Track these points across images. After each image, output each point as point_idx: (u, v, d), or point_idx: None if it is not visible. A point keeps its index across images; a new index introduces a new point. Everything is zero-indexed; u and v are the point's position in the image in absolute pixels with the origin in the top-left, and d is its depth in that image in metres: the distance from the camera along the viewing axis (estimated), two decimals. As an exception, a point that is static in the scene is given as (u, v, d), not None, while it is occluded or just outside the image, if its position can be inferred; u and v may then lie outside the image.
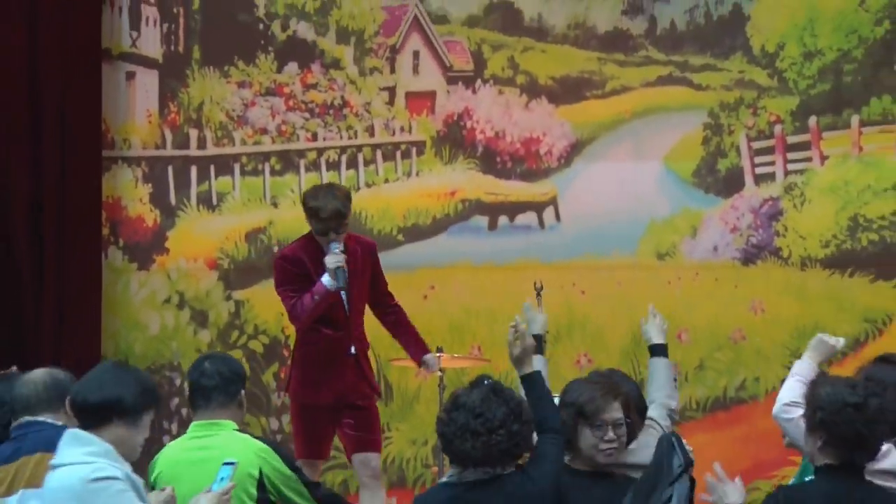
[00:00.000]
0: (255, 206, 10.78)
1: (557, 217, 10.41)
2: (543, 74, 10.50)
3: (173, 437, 10.60)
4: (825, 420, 5.20)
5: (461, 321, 10.02)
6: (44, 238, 10.52)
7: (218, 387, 6.21)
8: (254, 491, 6.17)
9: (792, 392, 5.92)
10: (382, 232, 10.58)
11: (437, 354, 9.06)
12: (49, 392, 6.01)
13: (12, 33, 10.46)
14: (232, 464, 5.49)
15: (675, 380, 6.52)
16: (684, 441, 5.42)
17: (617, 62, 10.42)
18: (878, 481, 5.56)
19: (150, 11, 10.86)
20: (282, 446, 6.56)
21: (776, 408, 5.97)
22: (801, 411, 5.67)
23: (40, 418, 5.95)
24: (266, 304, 10.66)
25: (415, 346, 8.43)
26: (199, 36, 10.83)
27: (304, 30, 10.75)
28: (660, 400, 6.25)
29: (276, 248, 10.70)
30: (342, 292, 7.93)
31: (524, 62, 10.51)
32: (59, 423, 5.93)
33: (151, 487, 6.06)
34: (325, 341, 8.02)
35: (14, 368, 7.01)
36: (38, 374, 6.09)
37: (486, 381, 5.44)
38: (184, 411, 10.69)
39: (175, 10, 10.85)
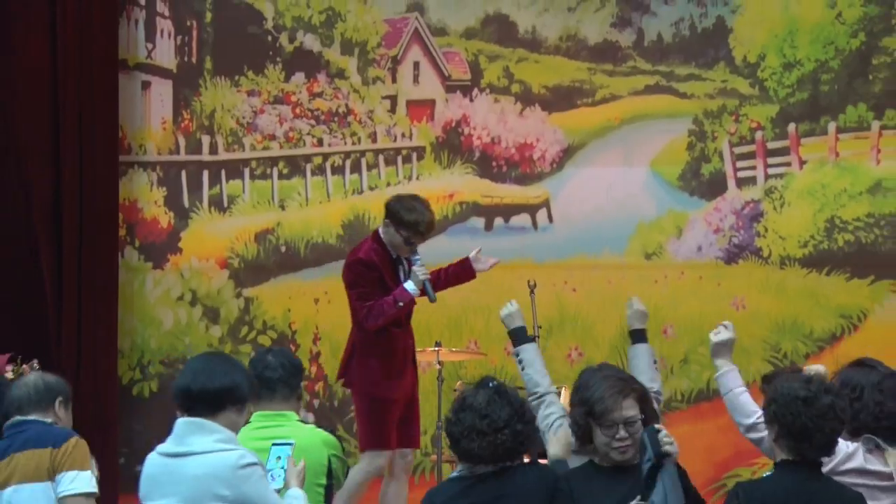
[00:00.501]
0: (264, 209, 10.80)
1: (550, 218, 10.45)
2: (537, 84, 10.54)
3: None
4: (777, 412, 5.17)
5: (459, 317, 10.06)
6: (64, 238, 10.51)
7: (282, 379, 6.14)
8: (324, 480, 6.15)
9: (745, 410, 5.86)
10: (385, 233, 10.61)
11: (436, 349, 9.13)
12: (40, 394, 6.01)
13: (35, 46, 10.47)
14: (289, 444, 5.55)
15: (656, 362, 6.45)
16: (663, 433, 5.25)
17: (606, 72, 10.47)
18: (848, 480, 5.61)
19: (164, 24, 10.88)
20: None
21: (744, 431, 5.88)
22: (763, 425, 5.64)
23: (30, 417, 5.93)
24: (274, 301, 10.71)
25: (455, 268, 8.39)
26: (212, 47, 10.85)
27: (311, 41, 10.78)
28: (644, 385, 6.31)
29: (283, 249, 10.74)
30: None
31: (518, 72, 10.55)
32: (48, 420, 5.94)
33: None
34: (397, 339, 8.09)
35: (35, 362, 7.03)
36: (31, 378, 6.08)
37: (491, 383, 5.43)
38: (196, 402, 10.73)
39: (188, 23, 10.87)
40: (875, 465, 5.64)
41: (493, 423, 5.26)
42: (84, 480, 5.76)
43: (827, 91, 10.23)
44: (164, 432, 10.73)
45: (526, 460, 5.48)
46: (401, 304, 7.96)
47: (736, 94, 10.32)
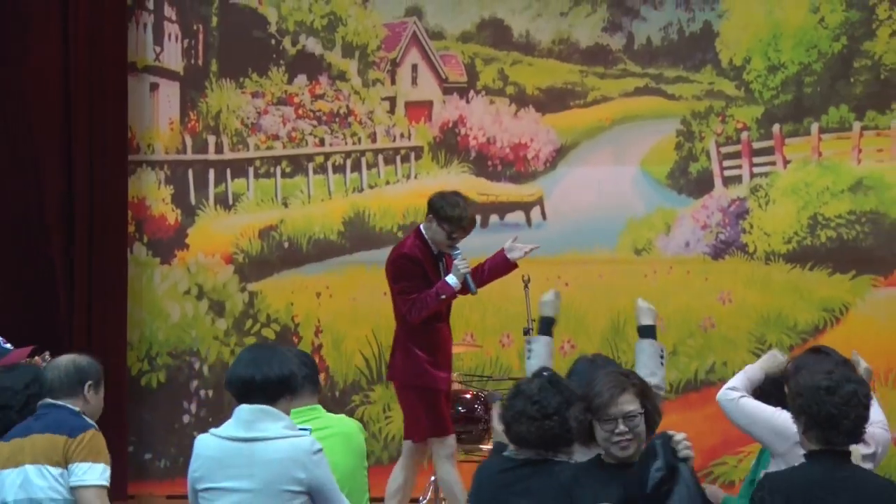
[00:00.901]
0: (268, 206, 10.82)
1: (543, 216, 10.46)
2: (531, 85, 10.55)
3: (192, 417, 10.73)
4: (803, 405, 5.17)
5: (455, 310, 10.02)
6: (75, 235, 10.54)
7: (307, 376, 6.03)
8: (366, 462, 6.20)
9: (734, 381, 6.09)
10: (384, 230, 10.63)
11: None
12: (70, 378, 5.84)
13: (49, 51, 10.50)
14: (306, 430, 5.58)
15: (662, 357, 6.54)
16: (678, 437, 5.06)
17: (598, 74, 10.47)
18: None
19: (172, 28, 10.89)
20: None
21: (719, 393, 6.09)
22: (737, 395, 5.98)
23: (59, 402, 5.84)
24: (277, 295, 10.73)
25: (493, 261, 8.32)
26: (217, 50, 10.86)
27: (313, 45, 10.79)
28: (654, 383, 6.34)
29: (286, 245, 10.76)
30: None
31: (513, 74, 10.57)
32: (77, 407, 5.92)
33: None
34: (440, 332, 8.11)
35: (47, 354, 7.01)
36: (63, 362, 5.97)
37: (544, 373, 5.57)
38: (202, 393, 10.76)
39: (195, 27, 10.87)
40: None
41: (542, 409, 5.36)
42: (96, 472, 5.73)
43: (810, 93, 10.24)
44: (171, 421, 10.77)
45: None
46: (443, 296, 7.97)
47: (722, 96, 10.33)
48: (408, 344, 8.17)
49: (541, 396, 5.38)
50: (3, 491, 5.77)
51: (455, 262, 7.96)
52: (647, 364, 6.43)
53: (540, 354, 6.65)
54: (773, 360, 6.34)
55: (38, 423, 5.82)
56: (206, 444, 5.46)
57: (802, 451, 5.33)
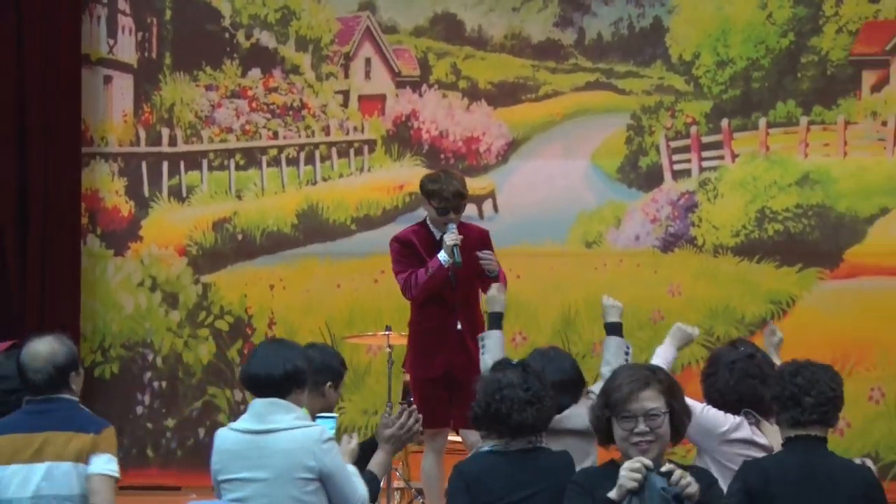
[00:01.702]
0: (221, 199, 10.78)
1: (495, 209, 10.47)
2: (483, 80, 10.57)
3: (146, 408, 10.69)
4: (775, 392, 5.32)
5: (408, 303, 10.08)
6: (28, 227, 10.48)
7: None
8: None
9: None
10: (337, 222, 10.62)
11: (386, 333, 9.12)
12: (63, 369, 5.71)
13: (2, 42, 10.42)
14: (333, 417, 5.73)
15: (627, 354, 6.53)
16: (677, 474, 4.41)
17: (549, 69, 10.50)
18: (737, 450, 5.71)
19: (125, 21, 10.82)
20: None
21: None
22: None
23: (61, 396, 5.74)
24: (231, 287, 10.70)
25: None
26: (171, 44, 10.80)
27: (267, 38, 10.77)
28: (606, 375, 6.36)
29: (240, 237, 10.73)
30: (451, 271, 7.81)
31: (466, 69, 10.58)
32: (74, 398, 5.80)
33: None
34: (434, 318, 7.92)
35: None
36: (46, 350, 5.76)
37: (513, 363, 5.55)
38: (155, 384, 10.72)
39: (149, 20, 10.81)
40: (759, 437, 5.76)
41: (535, 394, 5.36)
42: (114, 464, 5.79)
43: (758, 88, 10.30)
44: (124, 412, 10.74)
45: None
46: (430, 271, 7.76)
47: (672, 91, 10.37)
48: (410, 330, 8.14)
49: (529, 384, 5.38)
50: (21, 487, 5.71)
51: (444, 235, 7.86)
52: (610, 361, 6.44)
53: (493, 349, 6.67)
54: (679, 333, 6.40)
55: (52, 420, 5.70)
56: (224, 437, 5.68)
57: (730, 449, 5.39)
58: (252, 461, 5.55)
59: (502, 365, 5.59)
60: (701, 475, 4.62)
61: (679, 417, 4.73)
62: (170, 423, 10.67)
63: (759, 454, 5.68)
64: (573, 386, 6.13)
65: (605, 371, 6.36)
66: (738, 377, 5.83)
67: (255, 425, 5.59)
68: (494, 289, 7.12)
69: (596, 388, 6.23)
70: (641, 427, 4.65)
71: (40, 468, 5.67)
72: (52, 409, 5.73)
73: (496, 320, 6.87)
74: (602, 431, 4.79)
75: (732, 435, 5.79)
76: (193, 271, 10.74)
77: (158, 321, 10.75)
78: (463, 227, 7.91)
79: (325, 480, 5.55)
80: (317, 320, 10.50)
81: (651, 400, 4.68)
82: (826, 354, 9.61)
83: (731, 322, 10.22)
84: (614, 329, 6.65)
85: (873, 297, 10.07)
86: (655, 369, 4.83)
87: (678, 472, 4.41)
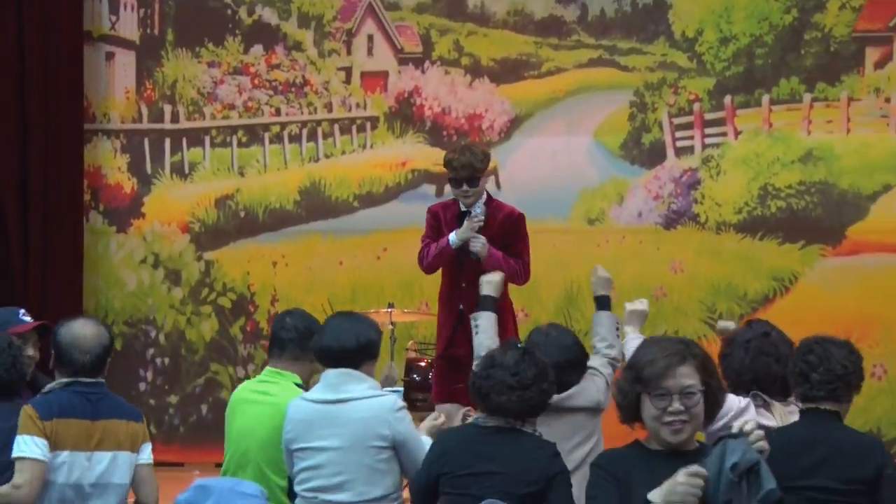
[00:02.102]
0: (224, 175, 10.77)
1: (498, 185, 10.43)
2: (486, 56, 10.54)
3: (149, 385, 10.69)
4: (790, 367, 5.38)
5: (410, 279, 10.04)
6: (30, 203, 10.47)
7: (293, 340, 6.22)
8: None
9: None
10: (340, 199, 10.60)
11: (389, 310, 9.13)
12: (103, 356, 5.73)
13: (2, 18, 10.40)
14: (398, 391, 5.79)
15: (618, 329, 6.50)
16: (748, 428, 4.11)
17: (552, 46, 10.47)
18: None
19: (127, -3, 10.84)
20: None
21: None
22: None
23: (99, 379, 5.72)
24: (233, 264, 10.70)
25: None
26: (173, 20, 10.79)
27: (269, 15, 10.74)
28: (602, 350, 6.40)
29: (242, 214, 10.72)
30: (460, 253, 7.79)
31: (468, 45, 10.55)
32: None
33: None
34: (451, 298, 7.88)
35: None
36: (93, 332, 5.72)
37: (518, 345, 5.59)
38: (158, 360, 10.72)
39: (151, -4, 10.83)
40: (767, 419, 5.71)
41: (521, 380, 5.34)
42: (151, 452, 5.90)
43: (761, 65, 10.27)
44: (127, 389, 10.73)
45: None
46: (438, 248, 7.69)
47: (675, 68, 10.34)
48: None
49: (518, 368, 5.37)
50: (85, 473, 5.68)
51: (466, 220, 7.79)
52: (606, 337, 6.44)
53: (487, 329, 6.66)
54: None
55: (104, 408, 5.69)
56: (297, 407, 5.81)
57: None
58: (326, 430, 5.69)
59: (507, 345, 5.61)
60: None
61: (714, 396, 4.35)
62: (173, 399, 10.68)
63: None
64: (578, 363, 6.11)
65: (601, 346, 6.39)
66: (754, 355, 5.81)
67: (329, 395, 5.72)
68: (491, 272, 7.09)
69: (595, 363, 6.24)
70: (676, 405, 4.26)
71: (105, 456, 5.70)
72: (102, 395, 5.73)
73: (489, 303, 6.85)
74: (629, 409, 4.38)
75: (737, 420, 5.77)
76: (196, 248, 10.75)
77: (161, 298, 10.76)
78: (496, 207, 7.87)
79: (398, 448, 5.69)
80: (319, 297, 10.49)
81: (687, 377, 4.28)
82: (828, 331, 9.51)
83: (733, 299, 10.21)
84: (605, 303, 6.64)
85: (876, 273, 10.06)
86: (689, 342, 4.42)
87: (750, 424, 4.06)
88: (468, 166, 7.70)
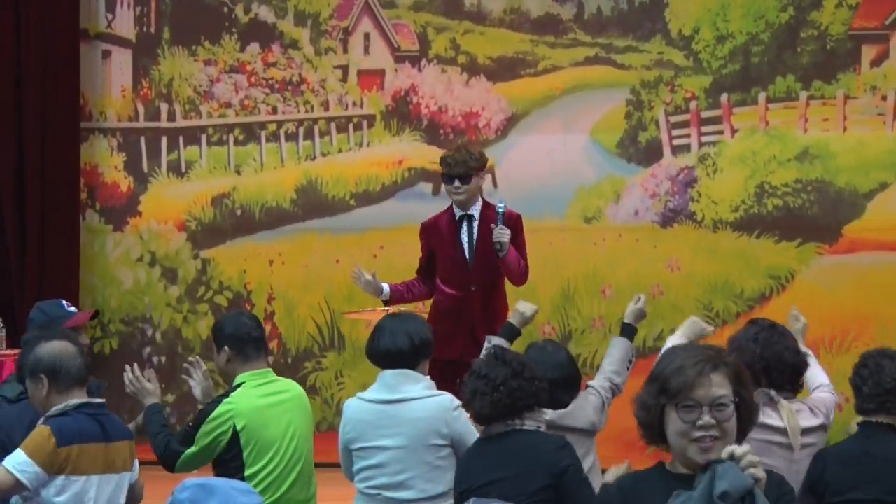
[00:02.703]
0: (220, 174, 10.76)
1: (494, 184, 10.43)
2: (482, 55, 10.52)
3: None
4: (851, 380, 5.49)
5: (407, 278, 10.07)
6: (27, 201, 10.45)
7: (263, 338, 6.35)
8: None
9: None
10: (336, 197, 10.59)
11: (385, 308, 9.10)
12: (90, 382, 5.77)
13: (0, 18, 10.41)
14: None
15: (631, 361, 6.47)
16: (739, 453, 3.42)
17: (548, 44, 10.45)
18: (762, 436, 5.63)
19: (124, -5, 10.82)
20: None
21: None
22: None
23: (96, 400, 5.70)
24: (230, 262, 10.68)
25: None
26: (169, 18, 10.75)
27: (265, 13, 10.71)
28: (607, 373, 6.36)
29: (239, 212, 10.71)
30: (466, 254, 7.97)
31: (465, 43, 10.52)
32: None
33: (235, 432, 6.19)
34: (446, 300, 7.99)
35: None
36: (76, 356, 5.68)
37: (491, 349, 5.71)
38: (154, 359, 10.71)
39: (147, -6, 10.81)
40: (771, 419, 5.69)
41: (489, 382, 5.36)
42: (138, 467, 5.95)
43: (757, 63, 10.26)
44: (123, 388, 10.73)
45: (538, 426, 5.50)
46: (402, 297, 8.15)
47: (671, 66, 10.32)
48: (430, 308, 8.26)
49: (488, 370, 5.40)
50: (103, 497, 5.66)
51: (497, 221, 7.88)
52: (616, 362, 6.39)
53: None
54: (694, 327, 6.40)
55: (111, 430, 5.69)
56: (355, 408, 5.96)
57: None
58: (386, 429, 5.83)
59: (494, 353, 5.61)
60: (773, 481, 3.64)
61: (748, 410, 3.68)
62: (169, 398, 10.66)
63: (772, 437, 5.65)
64: (571, 381, 6.09)
65: (609, 369, 6.36)
66: (764, 345, 5.80)
67: (387, 395, 5.84)
68: (528, 303, 7.02)
69: (596, 383, 6.22)
70: (707, 419, 3.57)
71: (113, 479, 5.70)
72: (105, 415, 5.71)
73: (510, 332, 6.83)
74: (652, 426, 3.70)
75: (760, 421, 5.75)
76: (192, 246, 10.72)
77: (157, 296, 10.74)
78: (486, 209, 7.98)
79: (455, 445, 5.80)
80: (316, 296, 10.49)
81: (720, 386, 3.62)
82: (825, 330, 9.68)
83: (729, 297, 10.20)
84: (629, 332, 6.61)
85: (872, 272, 10.05)
86: (720, 350, 3.77)
87: (742, 449, 3.43)
88: (462, 163, 7.78)
